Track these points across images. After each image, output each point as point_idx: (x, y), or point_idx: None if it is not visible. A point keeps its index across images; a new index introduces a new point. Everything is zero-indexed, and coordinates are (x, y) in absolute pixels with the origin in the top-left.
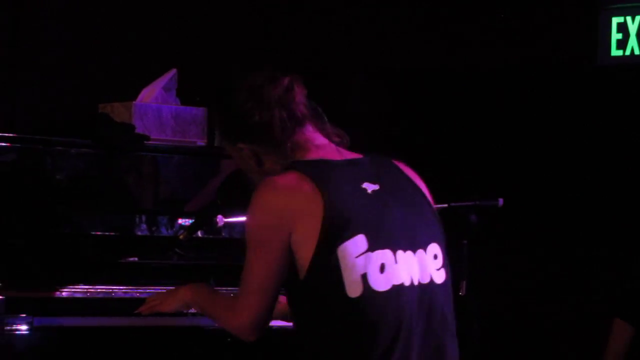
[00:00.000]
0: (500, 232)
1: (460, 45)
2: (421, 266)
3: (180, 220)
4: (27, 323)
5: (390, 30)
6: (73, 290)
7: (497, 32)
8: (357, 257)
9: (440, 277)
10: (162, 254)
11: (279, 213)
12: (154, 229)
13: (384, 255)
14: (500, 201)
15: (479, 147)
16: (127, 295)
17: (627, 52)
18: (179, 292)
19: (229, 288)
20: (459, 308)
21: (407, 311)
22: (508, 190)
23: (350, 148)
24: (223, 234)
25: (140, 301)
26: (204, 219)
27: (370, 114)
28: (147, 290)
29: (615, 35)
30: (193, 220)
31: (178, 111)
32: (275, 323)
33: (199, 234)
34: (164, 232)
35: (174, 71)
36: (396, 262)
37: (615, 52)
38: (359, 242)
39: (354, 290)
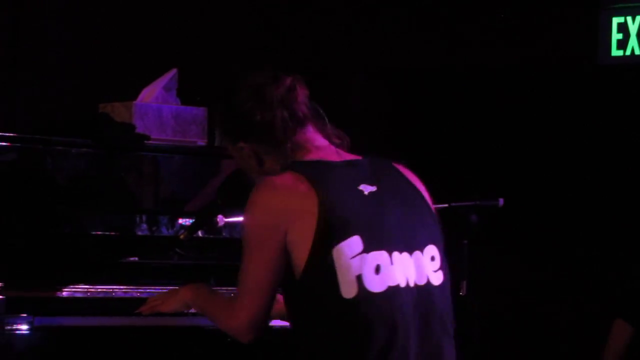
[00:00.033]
0: (500, 232)
1: (460, 45)
2: (417, 268)
3: (180, 220)
4: (28, 323)
5: (390, 30)
6: (73, 290)
7: (497, 32)
8: (352, 258)
9: (437, 278)
10: (163, 253)
11: (275, 213)
12: (154, 228)
13: (379, 256)
14: (501, 201)
15: (479, 147)
16: (128, 295)
17: (628, 52)
18: (179, 292)
19: (229, 288)
20: (459, 308)
21: (402, 312)
22: (508, 190)
23: (351, 148)
24: (223, 234)
25: (140, 301)
26: (205, 219)
27: (370, 114)
28: (148, 290)
29: (616, 35)
30: (193, 220)
31: (178, 111)
32: (275, 323)
33: (200, 233)
34: (165, 232)
35: (174, 71)
36: (392, 263)
37: (615, 52)
38: (354, 243)
39: (348, 291)
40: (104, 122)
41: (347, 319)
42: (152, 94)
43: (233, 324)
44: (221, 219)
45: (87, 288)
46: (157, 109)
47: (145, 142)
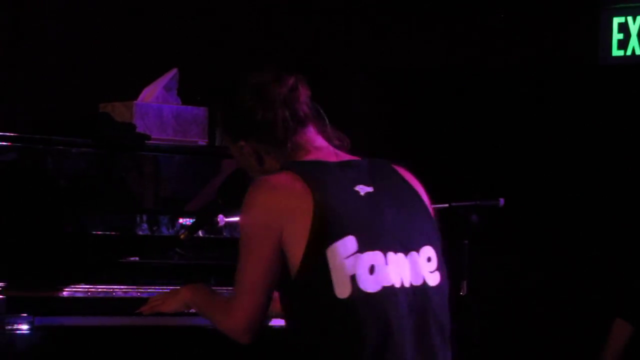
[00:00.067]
0: (500, 232)
1: (460, 45)
2: (413, 268)
3: (181, 220)
4: (28, 322)
5: (390, 30)
6: (74, 289)
7: (497, 32)
8: (346, 258)
9: (434, 279)
10: (163, 253)
11: (269, 211)
12: (154, 228)
13: (374, 256)
14: (501, 201)
15: (479, 147)
16: (128, 295)
17: (628, 52)
18: (179, 292)
19: (229, 288)
20: (459, 308)
21: (398, 313)
22: (509, 190)
23: (351, 148)
24: (224, 234)
25: (141, 301)
26: (205, 219)
27: (370, 114)
28: (148, 290)
29: (616, 36)
30: (194, 220)
31: (179, 111)
32: (275, 323)
33: (200, 233)
34: (165, 231)
35: (174, 71)
36: (386, 263)
37: (616, 52)
38: (348, 243)
39: (342, 291)
40: (105, 121)
41: (341, 319)
42: (152, 93)
43: (230, 324)
44: (222, 219)
45: (88, 288)
46: (158, 108)
47: (146, 141)
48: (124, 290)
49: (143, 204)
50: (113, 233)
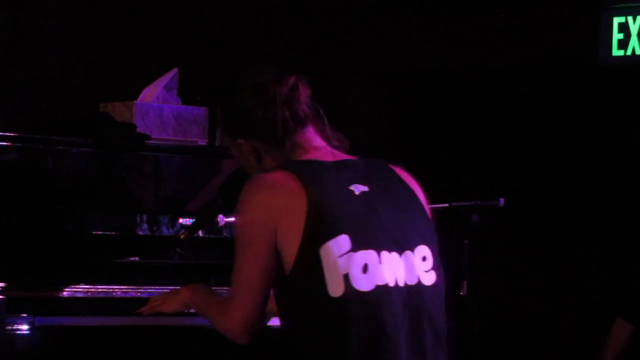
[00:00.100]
0: (501, 232)
1: (460, 45)
2: (407, 267)
3: (181, 220)
4: (28, 323)
5: (390, 30)
6: (74, 289)
7: (497, 32)
8: (339, 256)
9: (429, 279)
10: (163, 253)
11: (264, 209)
12: (155, 228)
13: (367, 255)
14: (501, 201)
15: (479, 147)
16: (128, 295)
17: (629, 52)
18: (179, 292)
19: (229, 288)
20: (459, 308)
21: (392, 311)
22: (509, 190)
23: (351, 148)
24: (224, 234)
25: (141, 301)
26: (205, 219)
27: (370, 114)
28: (148, 290)
29: (617, 35)
30: (194, 220)
31: (179, 110)
32: (274, 323)
33: (200, 233)
34: (165, 231)
35: (175, 70)
36: (380, 262)
37: (616, 52)
38: (342, 242)
39: (335, 289)
40: (105, 121)
41: (335, 317)
42: (152, 93)
43: (228, 324)
44: (222, 219)
45: (88, 288)
46: (158, 108)
47: (146, 141)
48: (124, 290)
49: (143, 204)
50: (113, 233)
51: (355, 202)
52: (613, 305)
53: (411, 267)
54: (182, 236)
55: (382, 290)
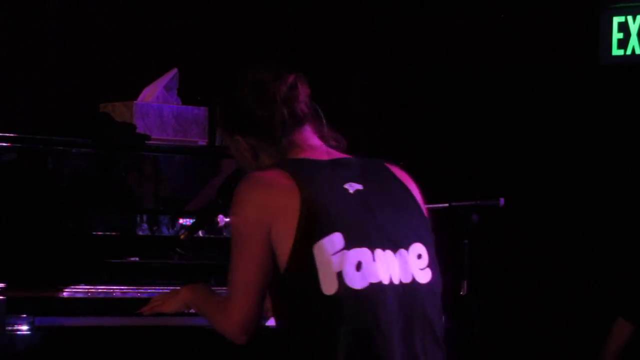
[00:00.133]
0: (501, 232)
1: (460, 45)
2: (402, 265)
3: (181, 220)
4: (28, 323)
5: (390, 30)
6: (74, 290)
7: (497, 32)
8: (333, 254)
9: (424, 276)
10: (163, 253)
11: (258, 207)
12: (155, 228)
13: (361, 253)
14: (501, 201)
15: (479, 147)
16: (128, 295)
17: (628, 52)
18: (179, 292)
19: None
20: (459, 308)
21: (386, 309)
22: (509, 190)
23: (351, 148)
24: (224, 234)
25: (141, 301)
26: (205, 219)
27: (370, 114)
28: (148, 290)
29: (616, 35)
30: (194, 220)
31: (179, 111)
32: (272, 323)
33: (200, 233)
34: (165, 231)
35: (175, 70)
36: (374, 260)
37: (616, 51)
38: (335, 240)
39: (329, 287)
40: (105, 121)
41: (328, 315)
42: (152, 93)
43: (226, 324)
44: (222, 219)
45: (88, 288)
46: (158, 108)
47: (146, 141)
48: (123, 290)
49: (143, 204)
50: (113, 233)
51: (349, 200)
52: (614, 305)
53: (406, 265)
54: (182, 236)
55: (376, 288)
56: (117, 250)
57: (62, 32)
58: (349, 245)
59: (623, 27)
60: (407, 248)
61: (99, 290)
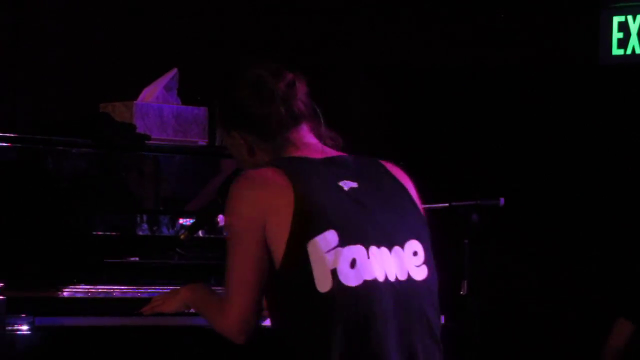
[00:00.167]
0: (501, 231)
1: (461, 45)
2: (398, 262)
3: (181, 220)
4: (28, 323)
5: (390, 30)
6: (74, 290)
7: (497, 32)
8: (327, 252)
9: (420, 274)
10: (163, 253)
11: (252, 204)
12: (155, 228)
13: (355, 250)
14: (502, 201)
15: (479, 147)
16: (128, 295)
17: (629, 52)
18: (179, 292)
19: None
20: (459, 308)
21: (381, 306)
22: (509, 190)
23: (351, 148)
24: (224, 234)
25: (141, 301)
26: (205, 219)
27: (370, 113)
28: (148, 290)
29: (616, 35)
30: (194, 220)
31: (179, 111)
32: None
33: (200, 233)
34: (165, 231)
35: (175, 71)
36: (368, 257)
37: (616, 51)
38: (329, 237)
39: (323, 284)
40: (105, 121)
41: (323, 312)
42: (152, 93)
43: (224, 323)
44: (222, 219)
45: (88, 288)
46: (158, 108)
47: (146, 141)
48: (123, 290)
49: (143, 204)
50: (113, 233)
51: (343, 198)
52: (615, 305)
53: (401, 262)
54: (182, 236)
55: (371, 285)
56: (117, 250)
57: (62, 32)
58: (343, 242)
59: (623, 26)
60: (402, 245)
61: (99, 290)
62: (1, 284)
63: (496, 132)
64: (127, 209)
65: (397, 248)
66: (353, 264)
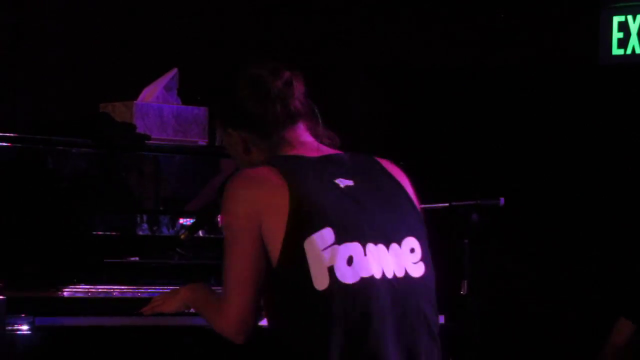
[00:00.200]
0: (501, 231)
1: (460, 45)
2: (395, 259)
3: (181, 220)
4: (28, 323)
5: (390, 30)
6: (74, 290)
7: (497, 32)
8: (323, 249)
9: (417, 270)
10: (163, 253)
11: (248, 203)
12: (155, 228)
13: (352, 248)
14: (502, 200)
15: (479, 147)
16: (128, 295)
17: (629, 51)
18: (179, 292)
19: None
20: (459, 308)
21: (378, 303)
22: (509, 190)
23: (350, 148)
24: (224, 234)
25: (141, 301)
26: (205, 219)
27: (370, 113)
28: (148, 290)
29: (617, 34)
30: (194, 220)
31: (179, 111)
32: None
33: (200, 233)
34: (165, 231)
35: (175, 70)
36: (365, 254)
37: (616, 51)
38: (326, 235)
39: (321, 282)
40: (105, 121)
41: (320, 310)
42: (152, 93)
43: (223, 323)
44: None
45: (88, 288)
46: (158, 108)
47: (146, 141)
48: (123, 290)
49: (143, 204)
50: (113, 233)
51: (339, 195)
52: (616, 305)
53: (398, 259)
54: (182, 236)
55: (368, 283)
56: (117, 250)
57: (62, 32)
58: (340, 240)
59: (623, 26)
60: (399, 242)
61: (99, 290)
62: (1, 284)
63: (496, 132)
64: (127, 209)
65: (394, 245)
66: (350, 261)
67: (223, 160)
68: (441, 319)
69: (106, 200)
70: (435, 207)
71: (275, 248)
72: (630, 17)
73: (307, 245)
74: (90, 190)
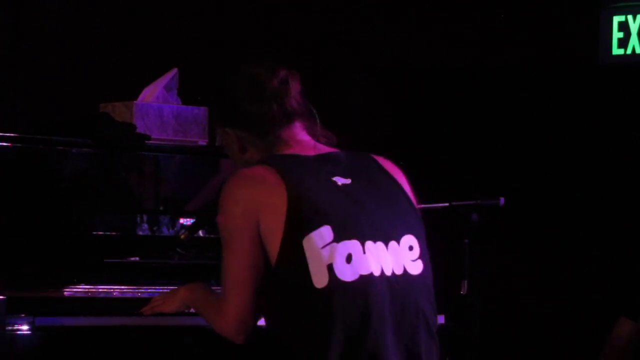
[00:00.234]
0: (501, 231)
1: (460, 45)
2: (393, 257)
3: (181, 220)
4: (28, 323)
5: (390, 30)
6: (74, 290)
7: (497, 32)
8: (322, 247)
9: (416, 268)
10: (163, 253)
11: (245, 202)
12: (155, 228)
13: (350, 245)
14: (502, 200)
15: (479, 146)
16: (128, 295)
17: (629, 51)
18: (179, 292)
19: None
20: (459, 308)
21: (377, 301)
22: (509, 190)
23: (350, 148)
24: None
25: (141, 301)
26: (205, 219)
27: (370, 113)
28: (148, 290)
29: (617, 34)
30: (194, 220)
31: (179, 110)
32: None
33: (200, 233)
34: (165, 231)
35: (175, 70)
36: (364, 252)
37: (616, 51)
38: (324, 233)
39: (320, 280)
40: (105, 121)
41: (320, 308)
42: (152, 93)
43: (222, 323)
44: None
45: (88, 288)
46: (158, 108)
47: (146, 141)
48: (123, 290)
49: (143, 204)
50: (113, 233)
51: (337, 194)
52: (617, 304)
53: (397, 257)
54: (182, 236)
55: (367, 280)
56: (117, 250)
57: (62, 32)
58: (339, 237)
59: (623, 26)
60: (398, 240)
61: (99, 290)
62: (1, 284)
63: (496, 132)
64: (127, 209)
65: (392, 243)
66: (349, 259)
67: (223, 160)
68: (441, 319)
69: (106, 200)
70: (435, 207)
71: (273, 247)
72: (630, 17)
73: (306, 243)
74: (90, 190)
